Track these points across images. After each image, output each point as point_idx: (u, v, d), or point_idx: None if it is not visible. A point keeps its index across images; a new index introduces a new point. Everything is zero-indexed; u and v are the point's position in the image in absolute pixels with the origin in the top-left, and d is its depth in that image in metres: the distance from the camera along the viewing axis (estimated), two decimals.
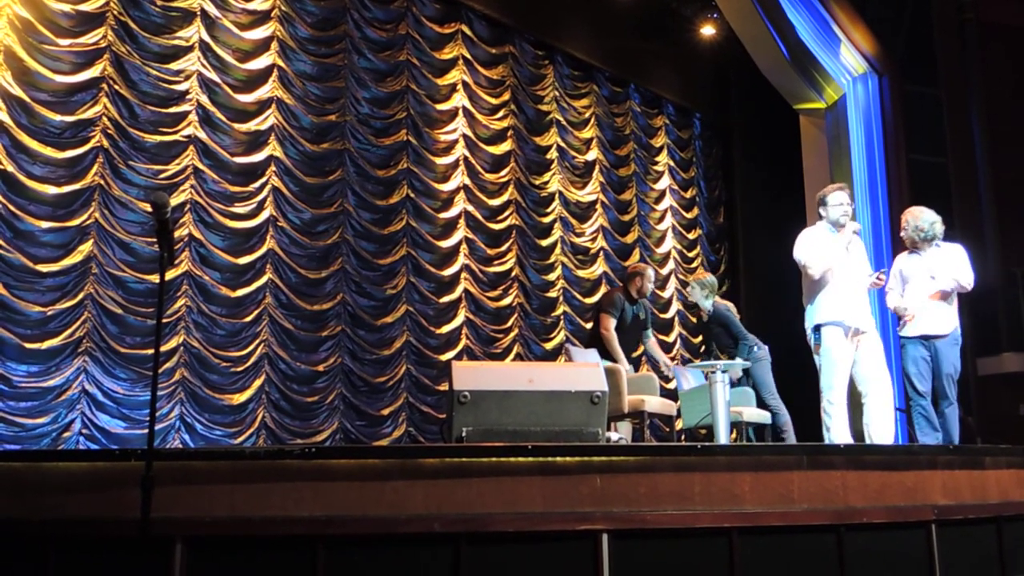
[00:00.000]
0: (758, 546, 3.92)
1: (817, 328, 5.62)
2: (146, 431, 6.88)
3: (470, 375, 4.35)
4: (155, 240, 7.31)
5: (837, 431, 5.41)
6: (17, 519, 3.42)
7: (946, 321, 5.96)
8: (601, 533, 3.68)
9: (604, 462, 3.82)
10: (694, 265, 12.45)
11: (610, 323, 6.94)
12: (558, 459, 3.78)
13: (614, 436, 5.75)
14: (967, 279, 5.97)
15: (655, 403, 6.70)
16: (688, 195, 12.73)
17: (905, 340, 6.03)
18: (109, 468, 3.52)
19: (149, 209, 6.92)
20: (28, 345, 6.62)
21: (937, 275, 5.97)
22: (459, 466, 3.68)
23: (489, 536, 3.60)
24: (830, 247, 5.62)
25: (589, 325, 10.77)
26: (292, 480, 3.50)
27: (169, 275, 7.20)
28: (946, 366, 5.90)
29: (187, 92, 7.71)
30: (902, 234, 6.21)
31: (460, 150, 9.88)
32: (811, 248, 5.64)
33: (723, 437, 5.60)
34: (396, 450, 4.74)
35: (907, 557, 4.25)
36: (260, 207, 8.11)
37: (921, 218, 6.09)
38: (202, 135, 7.77)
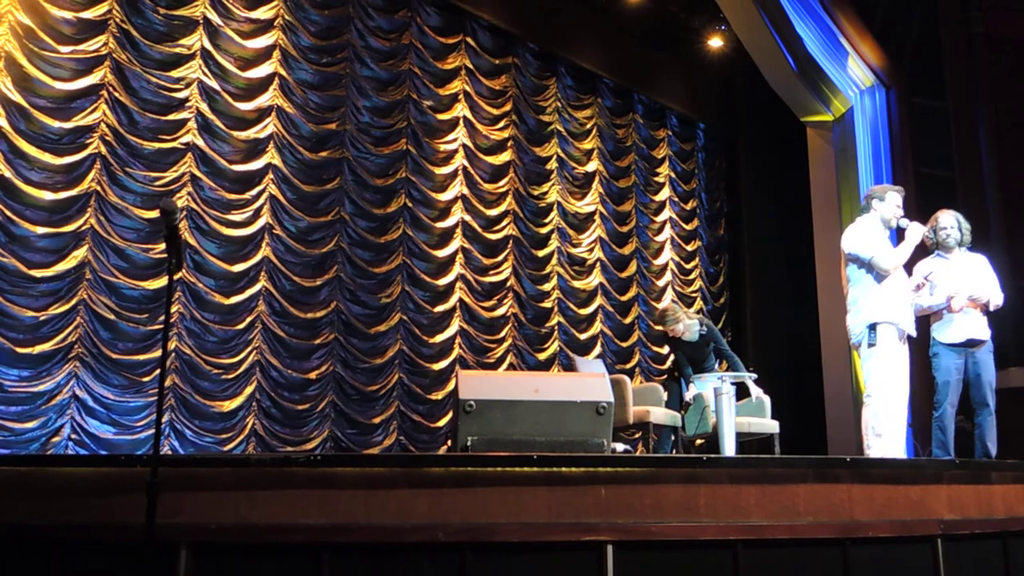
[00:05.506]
0: (763, 559, 3.88)
1: (873, 327, 5.31)
2: (136, 436, 6.95)
3: (476, 384, 4.32)
4: (150, 247, 7.34)
5: (892, 438, 5.15)
6: (22, 523, 3.38)
7: (985, 327, 5.75)
8: (606, 544, 3.65)
9: (609, 473, 3.79)
10: (692, 276, 12.42)
11: None
12: (563, 469, 3.74)
13: (619, 447, 5.72)
14: (999, 297, 5.79)
15: (660, 414, 6.67)
16: (688, 207, 12.69)
17: (941, 347, 5.71)
18: (115, 474, 3.49)
19: (156, 215, 6.92)
20: (20, 350, 6.60)
21: (974, 282, 5.76)
22: (464, 475, 3.64)
23: (494, 546, 3.56)
24: (888, 244, 5.41)
25: (584, 336, 10.75)
26: (297, 487, 3.47)
27: (162, 281, 7.17)
28: (986, 374, 5.68)
29: (187, 100, 7.69)
30: (940, 235, 5.84)
31: (459, 160, 9.87)
32: (878, 243, 5.37)
33: (729, 449, 5.56)
34: (401, 459, 4.71)
35: (912, 572, 4.22)
36: (256, 215, 8.07)
37: (961, 221, 5.86)
38: (200, 142, 7.74)
